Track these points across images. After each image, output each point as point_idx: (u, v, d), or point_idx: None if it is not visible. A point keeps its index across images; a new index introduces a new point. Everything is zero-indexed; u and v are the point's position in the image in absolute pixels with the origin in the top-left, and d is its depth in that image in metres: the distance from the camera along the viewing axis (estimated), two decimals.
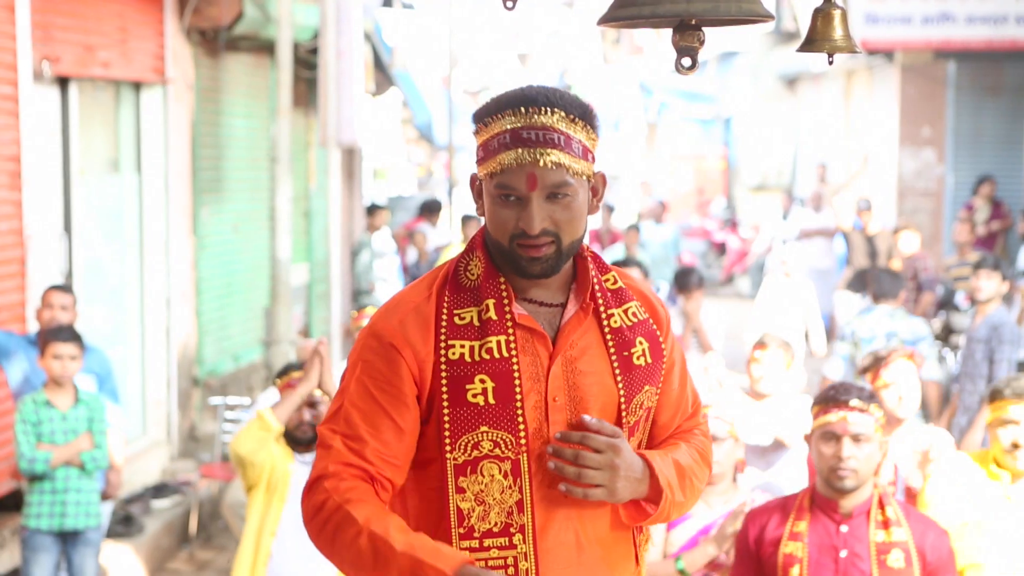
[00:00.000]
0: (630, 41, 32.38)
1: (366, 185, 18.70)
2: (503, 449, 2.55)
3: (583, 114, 2.57)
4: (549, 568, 2.58)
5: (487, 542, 2.55)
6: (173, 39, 9.76)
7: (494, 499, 2.56)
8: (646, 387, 2.66)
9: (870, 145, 18.15)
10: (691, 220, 23.69)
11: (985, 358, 8.16)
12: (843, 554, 3.97)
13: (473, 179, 2.64)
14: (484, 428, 2.54)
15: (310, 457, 5.23)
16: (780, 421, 6.32)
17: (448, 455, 2.56)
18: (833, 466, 3.97)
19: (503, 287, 2.59)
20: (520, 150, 2.51)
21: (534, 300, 2.63)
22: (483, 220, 2.63)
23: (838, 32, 2.95)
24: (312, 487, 2.57)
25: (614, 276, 2.70)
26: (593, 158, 2.60)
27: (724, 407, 5.15)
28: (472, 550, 2.54)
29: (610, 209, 18.16)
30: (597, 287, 2.65)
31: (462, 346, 2.55)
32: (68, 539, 6.49)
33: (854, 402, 3.98)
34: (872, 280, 9.35)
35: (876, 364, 5.39)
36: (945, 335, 11.41)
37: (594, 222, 16.43)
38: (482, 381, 2.54)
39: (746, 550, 4.18)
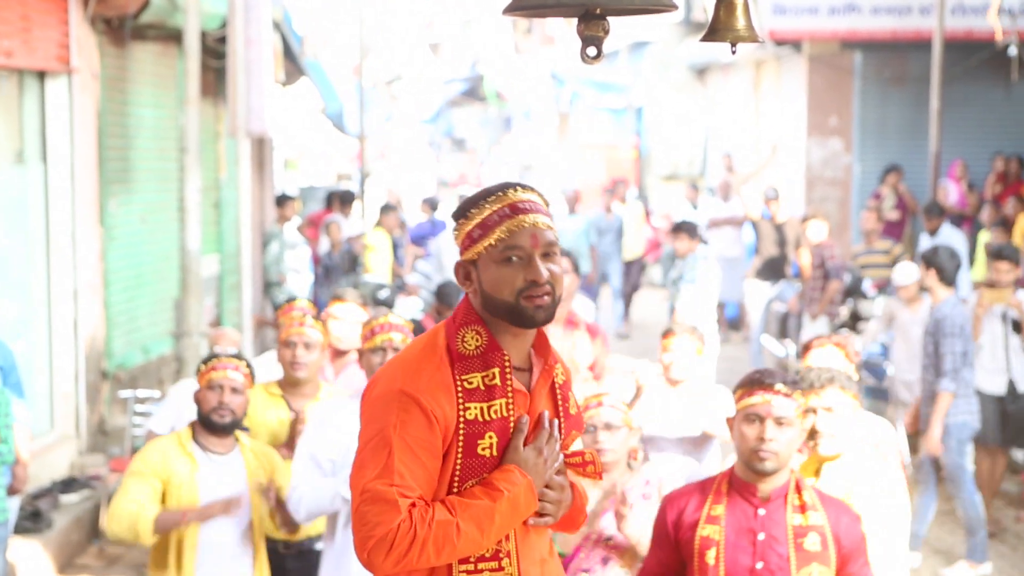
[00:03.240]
0: (542, 31, 32.43)
1: (277, 175, 18.57)
2: None
3: (546, 198, 3.12)
4: None
5: (480, 566, 3.02)
6: (78, 27, 9.61)
7: None
8: (573, 432, 3.17)
9: (778, 134, 18.35)
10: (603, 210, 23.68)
11: (935, 350, 8.21)
12: (760, 537, 4.02)
13: (458, 266, 3.08)
14: (486, 475, 3.02)
15: (217, 458, 5.18)
16: (706, 413, 6.37)
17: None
18: (755, 448, 4.01)
19: (506, 358, 3.03)
20: (522, 216, 3.01)
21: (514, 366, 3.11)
22: (463, 292, 3.10)
23: (740, 22, 2.99)
24: (392, 538, 2.90)
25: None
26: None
27: (620, 396, 5.18)
28: (468, 573, 3.01)
29: None
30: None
31: (476, 407, 3.02)
32: None
33: (778, 386, 4.04)
34: None
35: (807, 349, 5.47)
36: (852, 322, 11.59)
37: None
38: (490, 437, 3.02)
39: (664, 533, 4.22)
